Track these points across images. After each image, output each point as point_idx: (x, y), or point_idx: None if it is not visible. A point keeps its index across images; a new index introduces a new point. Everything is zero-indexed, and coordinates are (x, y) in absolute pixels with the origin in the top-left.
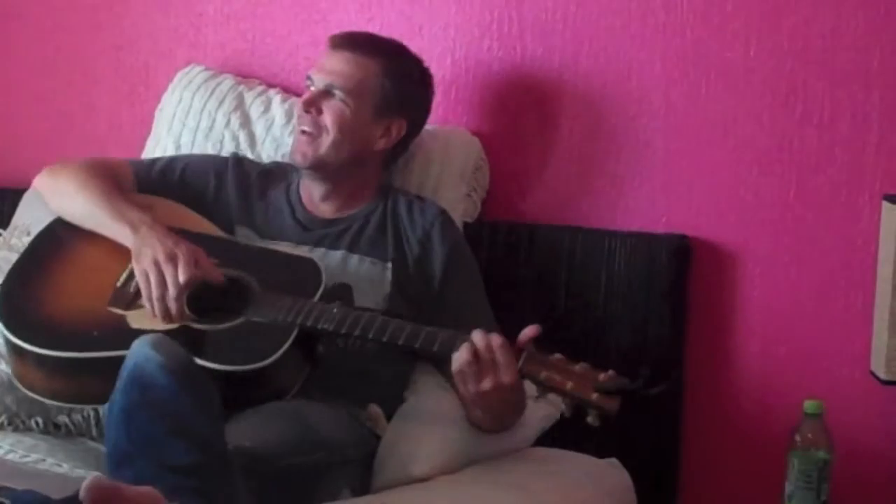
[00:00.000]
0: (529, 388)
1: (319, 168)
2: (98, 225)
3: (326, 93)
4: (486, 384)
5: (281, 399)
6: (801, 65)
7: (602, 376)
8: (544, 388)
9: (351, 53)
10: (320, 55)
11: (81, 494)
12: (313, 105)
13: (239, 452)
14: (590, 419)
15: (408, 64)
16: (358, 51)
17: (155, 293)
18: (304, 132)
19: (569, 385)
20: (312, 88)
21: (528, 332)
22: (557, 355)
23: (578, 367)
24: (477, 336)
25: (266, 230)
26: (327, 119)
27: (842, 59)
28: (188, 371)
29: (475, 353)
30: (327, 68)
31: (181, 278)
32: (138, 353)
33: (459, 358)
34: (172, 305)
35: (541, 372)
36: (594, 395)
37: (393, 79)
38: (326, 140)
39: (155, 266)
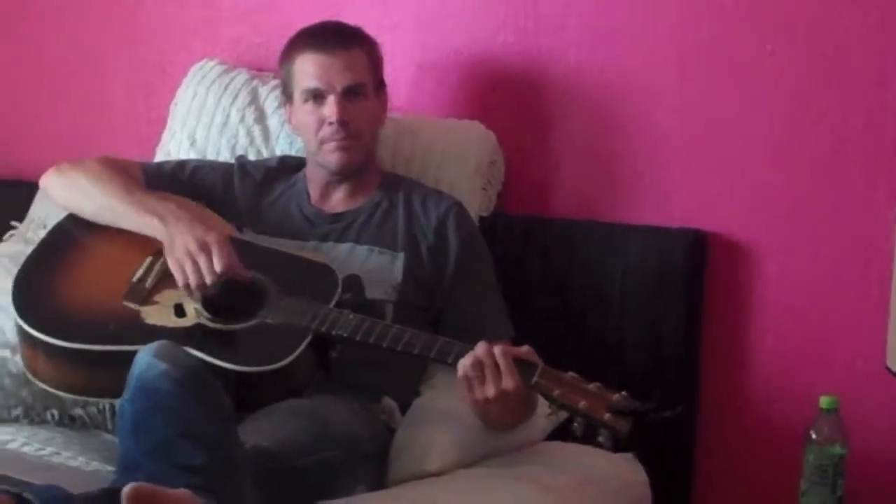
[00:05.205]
0: (542, 404)
1: (359, 169)
2: (120, 218)
3: (350, 97)
4: (490, 391)
5: (295, 397)
6: (817, 61)
7: (615, 397)
8: (557, 405)
9: (345, 50)
10: (304, 63)
11: (123, 501)
12: (348, 114)
13: (257, 452)
14: (601, 439)
15: (372, 40)
16: (350, 46)
17: (193, 282)
18: (344, 140)
19: (581, 404)
20: (331, 97)
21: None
22: (571, 374)
23: (592, 387)
24: (481, 344)
25: (273, 228)
26: (361, 122)
27: (857, 57)
28: (193, 376)
29: (478, 360)
30: (333, 73)
31: (218, 267)
32: (142, 362)
33: (463, 365)
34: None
35: (554, 389)
36: (606, 416)
37: (374, 59)
38: (365, 141)
39: (189, 257)
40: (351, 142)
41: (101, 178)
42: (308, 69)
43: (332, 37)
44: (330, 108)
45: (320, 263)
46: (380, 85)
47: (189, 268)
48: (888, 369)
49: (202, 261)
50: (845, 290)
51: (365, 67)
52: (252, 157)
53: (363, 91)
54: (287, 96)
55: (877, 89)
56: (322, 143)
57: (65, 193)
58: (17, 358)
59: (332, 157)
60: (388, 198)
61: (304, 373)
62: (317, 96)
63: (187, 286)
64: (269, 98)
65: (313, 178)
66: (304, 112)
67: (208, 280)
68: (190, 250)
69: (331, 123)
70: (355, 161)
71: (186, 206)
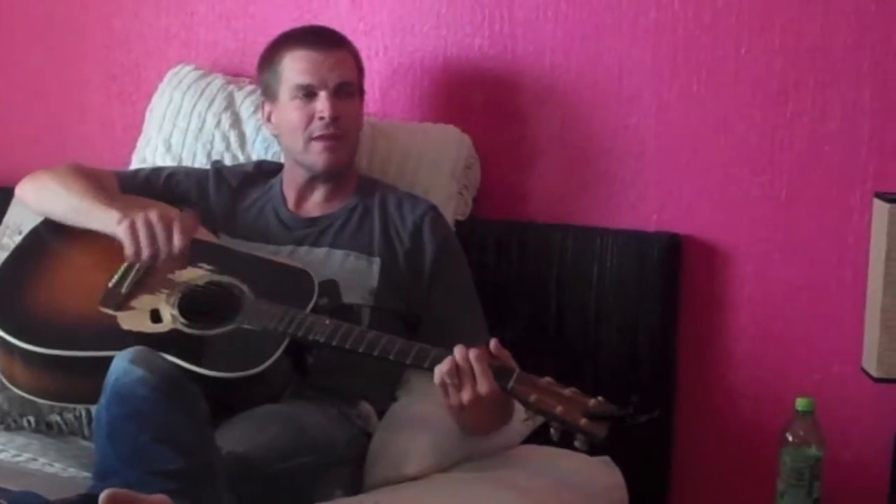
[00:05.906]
0: (519, 409)
1: (344, 170)
2: (87, 219)
3: (341, 95)
4: (466, 396)
5: (272, 403)
6: (792, 63)
7: (591, 402)
8: (533, 410)
9: (336, 49)
10: (293, 60)
11: None
12: (339, 111)
13: (233, 458)
14: (577, 444)
15: (355, 47)
16: (339, 45)
17: (160, 236)
18: (332, 138)
19: (558, 409)
20: (322, 93)
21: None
22: (547, 378)
23: (568, 392)
24: (458, 348)
25: (249, 233)
26: (350, 120)
27: (832, 58)
28: (170, 381)
29: (454, 365)
30: (325, 70)
31: (177, 242)
32: (118, 368)
33: (439, 370)
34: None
35: (530, 395)
36: (583, 421)
37: (358, 63)
38: (350, 142)
39: (145, 224)
40: (338, 142)
41: (74, 180)
42: (299, 66)
43: (321, 36)
44: (323, 103)
45: (297, 268)
46: (361, 91)
47: (147, 232)
48: (864, 371)
49: (153, 218)
50: (821, 292)
51: (352, 68)
52: (228, 162)
53: (352, 90)
54: (269, 96)
55: (852, 91)
56: (310, 139)
57: (36, 197)
58: None
59: (319, 157)
60: (364, 202)
61: (280, 378)
62: (308, 93)
63: (137, 253)
64: (245, 103)
65: (291, 180)
66: (291, 109)
67: (177, 242)
68: (149, 218)
69: (322, 118)
70: (341, 162)
71: (156, 205)
